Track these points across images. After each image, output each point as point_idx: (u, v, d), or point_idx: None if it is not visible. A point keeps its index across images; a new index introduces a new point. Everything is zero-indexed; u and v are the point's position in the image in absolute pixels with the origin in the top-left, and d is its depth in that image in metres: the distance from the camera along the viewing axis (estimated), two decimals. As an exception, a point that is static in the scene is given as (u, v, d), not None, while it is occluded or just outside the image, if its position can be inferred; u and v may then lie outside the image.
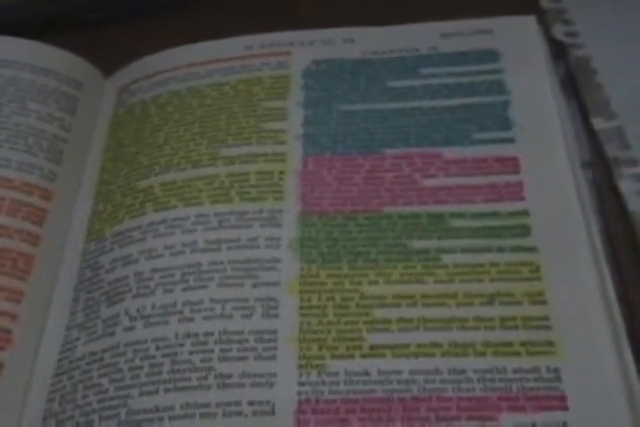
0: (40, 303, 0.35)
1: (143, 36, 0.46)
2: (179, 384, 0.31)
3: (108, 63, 0.44)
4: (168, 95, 0.41)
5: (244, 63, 0.41)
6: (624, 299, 0.32)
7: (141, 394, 0.31)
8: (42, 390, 0.33)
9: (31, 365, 0.34)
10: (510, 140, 0.36)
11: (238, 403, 0.30)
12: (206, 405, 0.30)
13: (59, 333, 0.35)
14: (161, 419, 0.30)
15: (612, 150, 0.37)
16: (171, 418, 0.30)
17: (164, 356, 0.32)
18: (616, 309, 0.31)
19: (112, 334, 0.33)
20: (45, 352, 0.34)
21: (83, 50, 0.43)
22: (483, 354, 0.30)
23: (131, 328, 0.33)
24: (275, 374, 0.31)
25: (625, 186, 0.35)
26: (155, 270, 0.34)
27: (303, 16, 0.45)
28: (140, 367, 0.32)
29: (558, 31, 0.42)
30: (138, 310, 0.33)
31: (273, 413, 0.30)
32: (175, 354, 0.32)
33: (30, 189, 0.38)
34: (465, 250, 0.33)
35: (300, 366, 0.31)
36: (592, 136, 0.38)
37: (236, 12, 0.47)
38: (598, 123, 0.38)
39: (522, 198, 0.34)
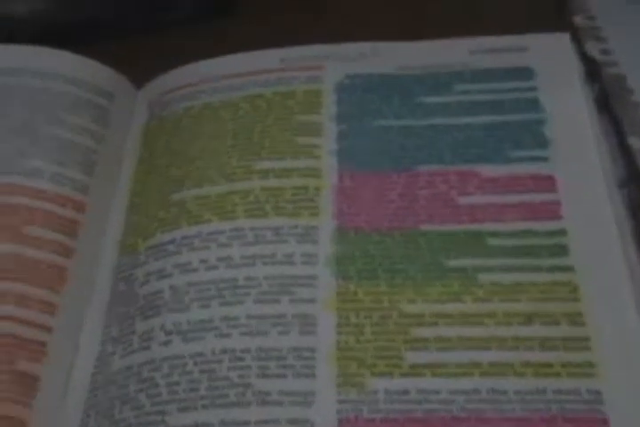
0: (74, 316, 0.35)
1: (173, 48, 0.45)
2: (217, 401, 0.31)
3: (138, 74, 0.44)
4: (200, 107, 0.41)
5: (278, 76, 0.41)
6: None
7: (179, 410, 0.31)
8: (78, 405, 0.33)
9: (66, 378, 0.33)
10: (545, 159, 0.36)
11: (277, 421, 0.30)
12: (245, 422, 0.30)
13: (93, 346, 0.34)
14: (200, 436, 0.30)
15: (647, 170, 0.37)
16: (210, 435, 0.30)
17: (202, 372, 0.32)
18: (655, 330, 0.31)
19: (148, 348, 0.33)
20: (80, 366, 0.34)
21: (112, 61, 0.43)
22: (522, 375, 0.30)
23: (167, 343, 0.33)
24: (314, 393, 0.31)
25: (661, 206, 0.35)
26: (190, 284, 0.34)
27: (334, 29, 0.44)
28: (178, 383, 0.32)
29: (592, 48, 0.42)
30: (174, 325, 0.33)
31: (313, 431, 0.30)
32: (213, 370, 0.32)
33: (63, 200, 0.37)
34: (502, 269, 0.33)
35: (339, 385, 0.31)
36: (627, 155, 0.37)
37: (267, 25, 0.46)
38: (635, 142, 0.38)
39: (559, 218, 0.34)
